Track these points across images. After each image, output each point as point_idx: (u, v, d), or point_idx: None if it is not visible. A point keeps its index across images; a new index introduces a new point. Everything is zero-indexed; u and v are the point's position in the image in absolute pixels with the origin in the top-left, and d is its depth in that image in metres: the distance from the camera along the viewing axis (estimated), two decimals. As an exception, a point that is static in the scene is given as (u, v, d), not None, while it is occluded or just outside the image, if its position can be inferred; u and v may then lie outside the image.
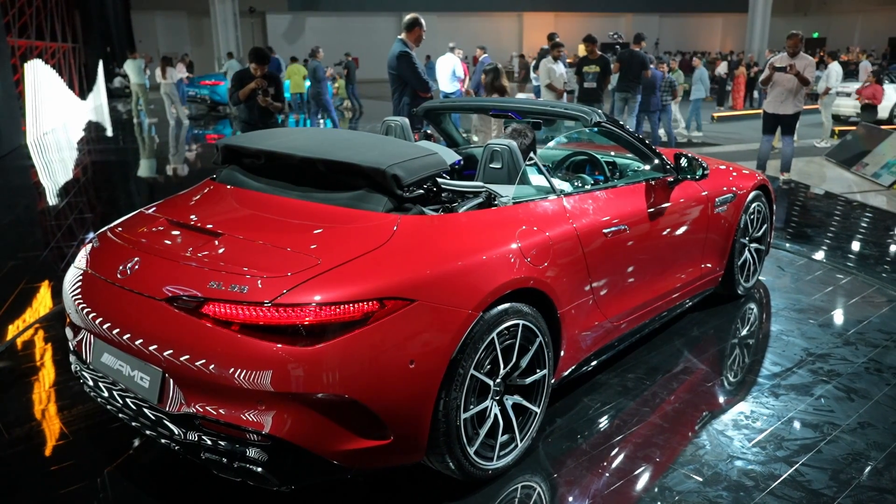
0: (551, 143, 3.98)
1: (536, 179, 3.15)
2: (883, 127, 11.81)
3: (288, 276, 2.14)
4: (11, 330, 4.11)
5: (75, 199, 8.12)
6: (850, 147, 10.28)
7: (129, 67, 16.82)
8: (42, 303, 4.60)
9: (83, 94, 20.74)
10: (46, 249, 5.94)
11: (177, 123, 15.84)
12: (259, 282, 2.13)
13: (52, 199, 8.25)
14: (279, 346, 2.04)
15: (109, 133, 15.27)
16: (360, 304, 2.12)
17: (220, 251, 2.34)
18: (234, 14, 26.04)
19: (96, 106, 20.71)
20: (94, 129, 16.01)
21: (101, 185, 9.38)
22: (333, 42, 31.93)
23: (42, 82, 14.75)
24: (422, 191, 2.65)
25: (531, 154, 3.16)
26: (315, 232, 2.43)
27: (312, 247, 2.30)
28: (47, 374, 3.56)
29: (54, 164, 11.11)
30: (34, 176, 9.93)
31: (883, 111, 14.49)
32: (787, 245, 5.81)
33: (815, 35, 37.43)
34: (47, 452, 2.85)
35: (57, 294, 4.72)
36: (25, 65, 13.81)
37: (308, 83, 15.68)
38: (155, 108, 17.88)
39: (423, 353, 2.23)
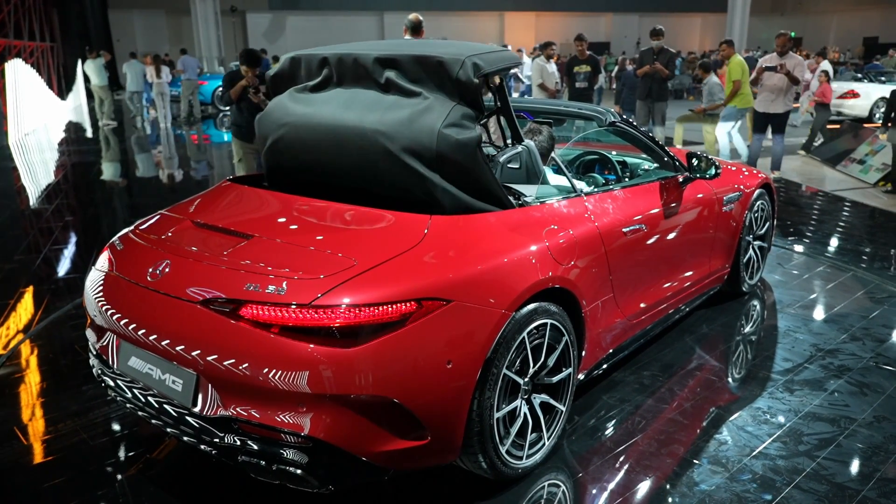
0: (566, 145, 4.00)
1: (556, 179, 3.17)
2: (865, 125, 12.03)
3: (325, 277, 2.13)
4: (18, 334, 4.03)
5: (65, 202, 8.00)
6: (835, 145, 10.45)
7: (89, 68, 15.20)
8: (45, 306, 4.51)
9: (62, 94, 20.41)
10: (43, 252, 5.84)
11: (167, 123, 15.59)
12: (297, 284, 2.11)
13: (43, 202, 8.11)
14: (319, 347, 2.03)
15: (90, 134, 15.03)
16: (399, 304, 2.11)
17: (253, 252, 2.31)
18: (214, 13, 25.73)
19: (76, 106, 20.39)
20: (74, 129, 15.76)
21: (92, 186, 9.24)
22: (314, 41, 31.65)
23: (22, 82, 14.49)
24: (485, 99, 2.63)
25: (551, 154, 3.17)
26: (346, 232, 2.43)
27: (346, 247, 2.29)
28: (59, 379, 3.50)
29: (40, 165, 10.93)
30: (21, 178, 9.75)
31: (863, 110, 14.81)
32: (784, 242, 5.89)
33: (793, 34, 37.97)
34: (65, 458, 2.80)
35: (61, 296, 4.64)
36: (5, 64, 13.57)
37: None
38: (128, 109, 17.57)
39: (459, 353, 2.23)
